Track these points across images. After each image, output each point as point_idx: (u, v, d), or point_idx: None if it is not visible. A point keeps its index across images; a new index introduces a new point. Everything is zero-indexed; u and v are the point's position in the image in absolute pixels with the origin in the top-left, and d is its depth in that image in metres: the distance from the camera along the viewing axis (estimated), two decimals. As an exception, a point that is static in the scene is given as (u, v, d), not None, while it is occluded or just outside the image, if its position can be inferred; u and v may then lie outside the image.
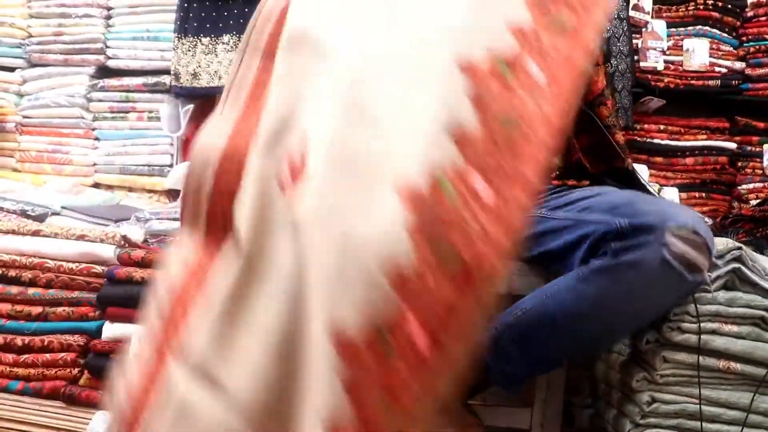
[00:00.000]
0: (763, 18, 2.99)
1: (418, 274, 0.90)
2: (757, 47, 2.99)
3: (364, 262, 0.92)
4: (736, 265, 1.41)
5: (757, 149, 3.00)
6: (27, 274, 2.04)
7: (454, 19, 1.08)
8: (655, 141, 2.98)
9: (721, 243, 1.44)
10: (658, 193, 2.84)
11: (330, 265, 0.95)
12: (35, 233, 2.11)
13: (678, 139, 3.00)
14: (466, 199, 0.94)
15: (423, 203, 0.94)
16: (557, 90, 1.01)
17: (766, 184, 2.96)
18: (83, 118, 3.07)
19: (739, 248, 1.42)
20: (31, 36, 3.20)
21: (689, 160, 2.97)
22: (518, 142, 0.97)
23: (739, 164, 3.02)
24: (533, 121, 0.98)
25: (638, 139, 2.98)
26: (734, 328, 1.43)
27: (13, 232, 2.13)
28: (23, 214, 2.47)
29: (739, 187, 2.98)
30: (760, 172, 2.99)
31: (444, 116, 0.98)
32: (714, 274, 1.41)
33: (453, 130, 0.97)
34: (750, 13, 3.01)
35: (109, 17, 3.13)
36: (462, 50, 1.02)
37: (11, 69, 3.21)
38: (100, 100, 3.08)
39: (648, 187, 1.75)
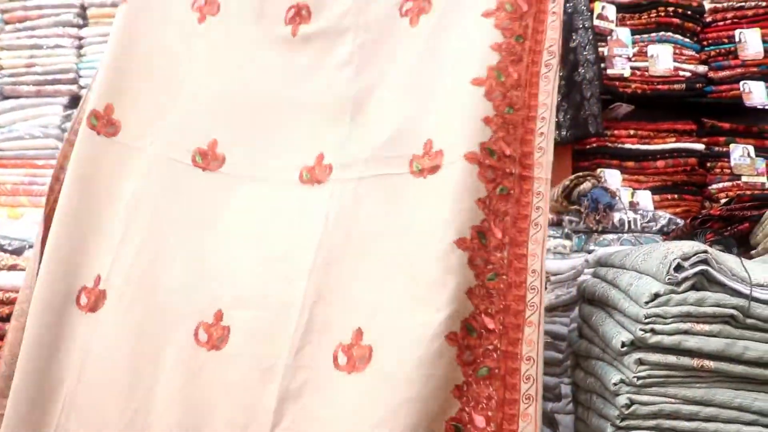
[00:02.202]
0: (721, 23, 3.08)
1: None
2: (718, 51, 3.07)
3: None
4: (702, 267, 1.46)
5: (725, 149, 3.06)
6: (4, 309, 2.04)
7: None
8: (626, 146, 3.04)
9: (687, 246, 1.49)
10: (632, 197, 2.90)
11: None
12: (12, 267, 2.11)
13: (648, 143, 3.05)
14: None
15: None
16: None
17: (735, 182, 3.02)
18: (57, 148, 3.06)
19: (704, 251, 1.46)
20: (2, 68, 3.20)
21: (660, 163, 3.02)
22: None
23: (708, 165, 3.07)
24: None
25: (609, 144, 3.03)
26: (706, 327, 1.47)
27: (-8, 267, 2.13)
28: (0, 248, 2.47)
29: (710, 187, 3.03)
30: (729, 171, 3.05)
31: None
32: (681, 276, 1.45)
33: None
34: (709, 19, 3.10)
35: (80, 47, 3.15)
36: None
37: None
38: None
39: None
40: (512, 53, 1.60)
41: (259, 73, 1.85)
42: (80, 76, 3.12)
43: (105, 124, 1.82)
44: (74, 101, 3.13)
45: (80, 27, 3.18)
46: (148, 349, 1.63)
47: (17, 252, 2.41)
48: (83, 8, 3.19)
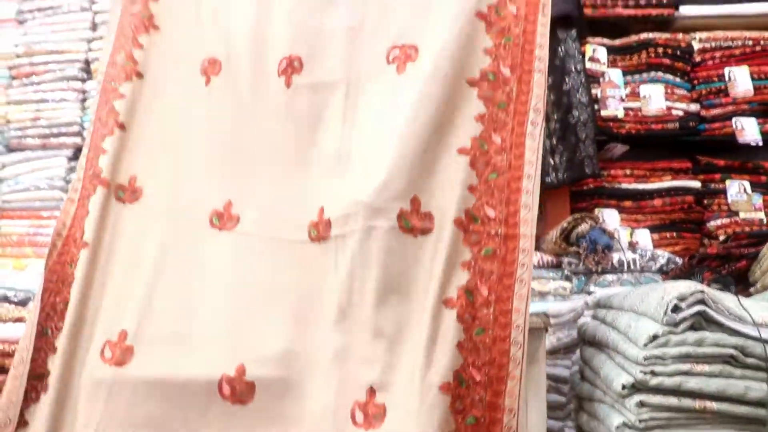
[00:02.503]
0: (710, 62, 3.13)
1: None
2: (708, 89, 3.11)
3: None
4: (700, 307, 1.48)
5: (721, 186, 3.08)
6: (11, 362, 2.04)
7: None
8: (623, 186, 3.06)
9: (683, 286, 1.51)
10: (631, 236, 2.92)
11: None
12: (18, 320, 2.12)
13: (645, 182, 3.08)
14: None
15: None
16: None
17: (733, 219, 3.03)
18: (63, 200, 3.10)
19: (701, 291, 1.48)
20: (9, 122, 3.26)
21: (657, 202, 3.04)
22: None
23: (706, 202, 3.09)
24: None
25: (606, 185, 3.05)
26: (706, 368, 1.49)
27: (-2, 320, 2.14)
28: (5, 299, 2.48)
29: (708, 224, 3.04)
30: (726, 207, 3.06)
31: None
32: (679, 317, 1.47)
33: None
34: (698, 58, 3.14)
35: (84, 100, 3.21)
36: None
37: (-13, 159, 3.26)
38: (80, 181, 3.12)
39: None
40: (495, 121, 1.71)
41: (260, 129, 1.92)
42: (84, 129, 3.17)
43: (130, 193, 1.94)
44: (78, 153, 3.17)
45: (84, 81, 3.25)
46: (176, 402, 1.68)
47: (23, 303, 2.42)
48: (87, 63, 3.26)
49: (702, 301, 1.48)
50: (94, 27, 3.30)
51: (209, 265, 1.82)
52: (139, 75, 2.05)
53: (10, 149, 3.26)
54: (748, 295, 2.00)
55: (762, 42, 3.11)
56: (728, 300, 1.55)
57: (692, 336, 1.48)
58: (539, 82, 1.73)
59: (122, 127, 1.99)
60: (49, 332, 1.81)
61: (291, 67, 1.93)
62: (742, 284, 2.12)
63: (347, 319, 1.66)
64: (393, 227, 1.67)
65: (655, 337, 1.48)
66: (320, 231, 1.75)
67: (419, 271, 1.64)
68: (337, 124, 1.85)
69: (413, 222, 1.67)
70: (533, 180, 1.66)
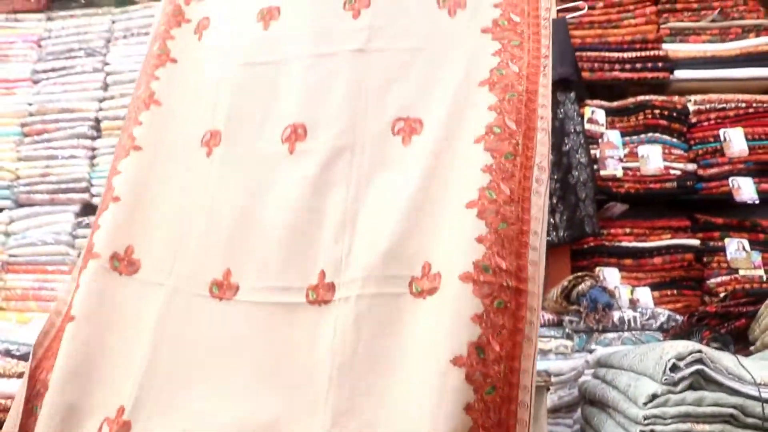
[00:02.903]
0: (706, 123, 3.20)
1: None
2: (705, 149, 3.17)
3: None
4: (698, 366, 1.49)
5: (720, 244, 3.11)
6: (14, 418, 2.04)
7: None
8: (623, 244, 3.09)
9: (681, 345, 1.53)
10: (631, 294, 2.94)
11: None
12: (21, 375, 2.13)
13: (644, 241, 3.10)
14: None
15: None
16: None
17: (733, 276, 3.05)
18: (69, 255, 3.15)
19: (699, 351, 1.50)
20: (19, 178, 3.33)
21: (657, 260, 3.07)
22: None
23: (705, 259, 3.11)
24: None
25: (606, 243, 3.08)
26: (706, 428, 1.49)
27: (0, 375, 2.15)
28: (8, 353, 2.49)
29: (708, 282, 3.06)
30: (726, 265, 3.08)
31: None
32: (678, 376, 1.48)
33: None
34: (694, 119, 3.21)
35: (93, 157, 3.28)
36: None
37: (-1, 210, 3.32)
38: (85, 237, 3.15)
39: None
40: (503, 171, 1.68)
41: (261, 195, 1.94)
42: (92, 185, 3.24)
43: (126, 264, 1.92)
44: (86, 209, 3.24)
45: (94, 138, 3.33)
46: None
47: (24, 358, 2.42)
48: (97, 121, 3.35)
49: (700, 361, 1.50)
50: (105, 87, 3.40)
51: (208, 336, 1.81)
52: (137, 148, 2.06)
53: (19, 204, 3.33)
54: (748, 353, 2.01)
55: (754, 104, 3.19)
56: (727, 359, 1.56)
57: (691, 395, 1.49)
58: (543, 140, 1.74)
59: (117, 199, 1.99)
60: (37, 410, 1.76)
61: (295, 134, 1.95)
62: (741, 343, 2.13)
63: (345, 386, 1.62)
64: (404, 294, 1.65)
65: (654, 397, 1.49)
66: (320, 294, 1.74)
67: (426, 332, 1.58)
68: (342, 190, 1.85)
69: (422, 286, 1.64)
70: (539, 237, 1.63)
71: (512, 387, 1.52)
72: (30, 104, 3.44)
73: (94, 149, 3.29)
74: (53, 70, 3.50)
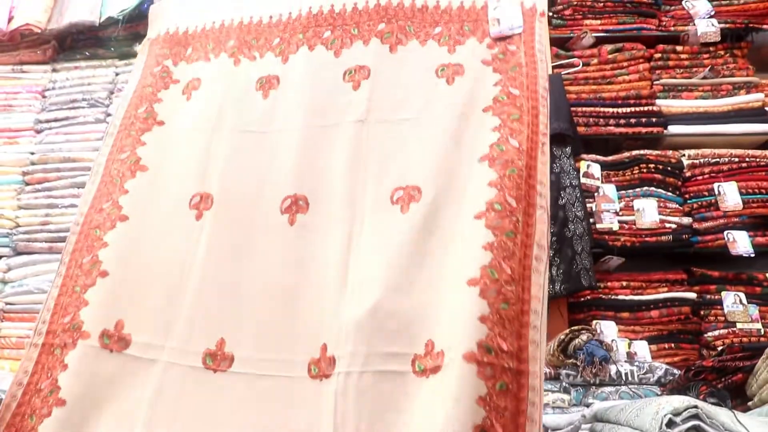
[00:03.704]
0: (700, 177, 3.25)
1: None
2: (700, 203, 3.21)
3: None
4: (695, 422, 1.49)
5: (716, 297, 3.11)
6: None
7: None
8: (620, 297, 3.10)
9: (677, 401, 1.52)
10: (629, 347, 2.92)
11: None
12: (13, 425, 2.11)
13: (641, 294, 3.12)
14: None
15: None
16: None
17: (730, 329, 3.04)
18: (66, 303, 3.13)
19: (695, 406, 1.49)
20: (18, 226, 3.34)
21: (654, 313, 3.07)
22: None
23: (702, 312, 3.11)
24: None
25: (603, 296, 3.09)
26: (703, 485, 1.48)
27: (-7, 425, 2.12)
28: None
29: (706, 335, 3.05)
30: (723, 318, 3.08)
31: None
32: (674, 431, 1.48)
33: None
34: (688, 174, 3.27)
35: (94, 206, 3.30)
36: None
37: (-4, 258, 3.32)
38: (83, 285, 3.16)
39: None
40: (504, 249, 1.66)
41: (258, 264, 1.91)
42: (81, 195, 3.23)
43: (116, 340, 1.88)
44: (85, 257, 3.23)
45: (95, 187, 3.35)
46: None
47: (18, 408, 2.41)
48: (98, 170, 3.38)
49: (696, 416, 1.50)
50: (107, 137, 3.44)
51: (204, 410, 1.77)
52: (124, 218, 2.04)
53: (17, 252, 3.32)
54: (746, 409, 2.00)
55: (747, 159, 3.24)
56: (723, 415, 1.56)
57: (688, 452, 1.48)
58: (542, 218, 1.73)
59: (105, 274, 1.95)
60: None
61: (296, 206, 1.94)
62: (739, 398, 2.11)
63: None
64: (406, 372, 1.62)
65: (651, 452, 1.48)
66: (321, 369, 1.71)
67: (430, 413, 1.54)
68: (341, 262, 1.82)
69: (426, 364, 1.60)
70: (540, 316, 1.61)
71: None
72: (32, 153, 3.48)
73: (94, 198, 3.31)
74: (56, 120, 3.55)
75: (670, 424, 1.49)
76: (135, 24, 3.54)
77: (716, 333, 3.04)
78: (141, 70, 2.42)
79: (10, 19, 3.59)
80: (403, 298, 1.70)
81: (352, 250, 1.83)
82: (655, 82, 3.43)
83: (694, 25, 3.45)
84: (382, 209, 1.86)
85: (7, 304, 3.23)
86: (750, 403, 2.09)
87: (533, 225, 1.72)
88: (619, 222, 3.16)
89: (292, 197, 1.96)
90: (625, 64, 3.45)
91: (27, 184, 3.43)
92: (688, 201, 3.24)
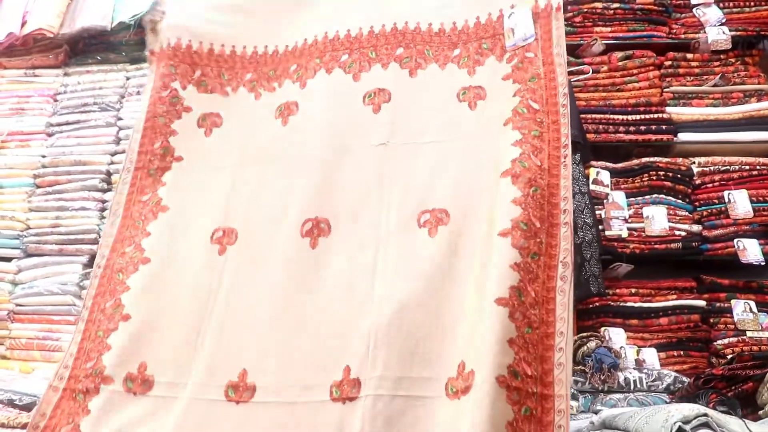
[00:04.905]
0: (710, 185, 3.24)
1: None
2: (709, 211, 3.21)
3: None
4: (705, 430, 1.48)
5: (726, 305, 3.10)
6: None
7: None
8: (629, 304, 3.09)
9: (687, 408, 1.51)
10: (637, 355, 2.91)
11: None
12: (24, 426, 2.11)
13: (650, 301, 3.10)
14: None
15: None
16: None
17: (740, 338, 3.03)
18: (75, 305, 3.15)
19: (705, 414, 1.48)
20: (29, 228, 3.36)
21: (663, 320, 3.05)
22: None
23: (712, 320, 3.10)
24: None
25: (612, 303, 3.08)
26: (713, 493, 1.47)
27: (2, 425, 2.13)
28: (10, 403, 2.47)
29: (715, 343, 3.03)
30: (733, 326, 3.07)
31: None
32: (685, 441, 1.47)
33: None
34: (698, 181, 3.26)
35: (103, 209, 3.31)
36: None
37: (8, 259, 3.33)
38: (93, 287, 3.17)
39: None
40: (529, 272, 1.66)
41: (279, 290, 1.90)
42: (101, 237, 3.25)
43: (140, 383, 1.87)
44: (94, 261, 3.24)
45: (104, 191, 3.37)
46: None
47: (27, 408, 2.42)
48: (108, 174, 3.39)
49: (706, 425, 1.49)
50: (117, 141, 3.45)
51: None
52: (146, 261, 2.04)
53: (28, 254, 3.34)
54: (757, 418, 1.98)
55: (758, 167, 3.24)
56: (733, 423, 1.55)
57: (699, 460, 1.47)
58: (566, 236, 1.73)
59: (128, 317, 1.94)
60: None
61: (317, 229, 1.92)
62: (750, 407, 2.10)
63: None
64: (440, 397, 1.60)
65: (660, 460, 1.47)
66: (344, 391, 1.68)
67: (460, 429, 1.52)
68: (367, 285, 1.81)
69: (458, 386, 1.58)
70: (565, 337, 1.60)
71: None
72: (43, 156, 3.50)
73: (104, 202, 3.32)
74: (67, 123, 3.57)
75: (680, 431, 1.48)
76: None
77: (726, 341, 3.02)
78: (150, 93, 2.39)
79: (23, 24, 3.62)
80: (432, 319, 1.69)
81: (377, 273, 1.83)
82: (665, 90, 3.43)
83: (705, 32, 3.44)
84: (409, 232, 1.85)
85: (17, 305, 3.25)
86: (761, 412, 2.07)
87: (557, 245, 1.72)
88: (629, 229, 3.15)
89: (313, 220, 1.95)
90: (635, 71, 3.45)
91: (38, 186, 3.44)
92: (698, 209, 3.23)
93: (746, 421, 1.60)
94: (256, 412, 1.74)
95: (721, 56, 3.45)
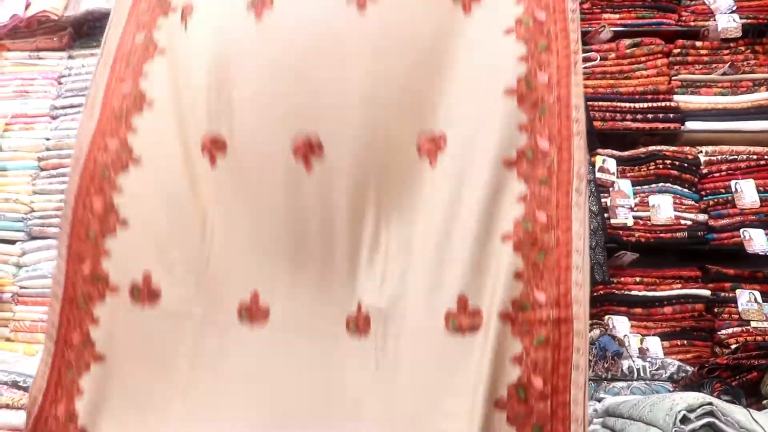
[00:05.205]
0: (717, 174, 3.22)
1: None
2: (716, 200, 3.19)
3: None
4: (709, 419, 1.47)
5: (731, 294, 3.09)
6: (18, 454, 2.04)
7: None
8: (633, 293, 3.08)
9: (692, 397, 1.51)
10: (641, 343, 2.91)
11: None
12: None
13: (654, 290, 3.09)
14: None
15: None
16: None
17: (744, 328, 3.02)
18: (79, 288, 3.15)
19: (710, 403, 1.48)
20: (33, 211, 3.36)
21: (667, 309, 3.04)
22: None
23: (716, 310, 3.09)
24: None
25: (616, 292, 3.07)
26: (716, 482, 1.46)
27: (7, 406, 2.14)
28: (14, 385, 2.48)
29: (719, 333, 3.03)
30: (737, 316, 3.06)
31: None
32: (688, 428, 1.46)
33: None
34: (705, 170, 3.23)
35: (108, 192, 3.31)
36: None
37: (12, 242, 3.33)
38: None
39: None
40: (539, 198, 1.57)
41: (279, 214, 1.77)
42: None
43: (147, 295, 1.72)
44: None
45: (109, 174, 3.36)
46: None
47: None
48: (113, 156, 3.39)
49: (711, 413, 1.48)
50: (122, 124, 3.44)
51: (240, 366, 1.69)
52: (136, 161, 1.83)
53: (32, 237, 3.34)
54: (761, 407, 1.98)
55: (766, 156, 3.21)
56: (738, 413, 1.54)
57: (702, 448, 1.47)
58: (579, 145, 1.61)
59: (125, 223, 1.78)
60: None
61: (309, 147, 1.74)
62: (754, 396, 2.10)
63: (387, 421, 1.54)
64: (439, 328, 1.54)
65: (665, 448, 1.47)
66: (360, 325, 1.64)
67: (466, 373, 1.49)
68: (370, 217, 1.71)
69: (460, 321, 1.53)
70: (582, 255, 1.50)
71: (563, 421, 1.42)
72: (47, 139, 3.49)
73: (108, 184, 3.32)
74: (72, 106, 3.55)
75: (684, 420, 1.47)
76: (151, 11, 3.54)
77: (730, 331, 3.02)
78: None
79: (27, 6, 3.60)
80: (438, 259, 1.61)
81: (381, 203, 1.72)
82: (673, 78, 3.39)
83: (715, 20, 3.40)
84: (409, 163, 1.72)
85: (21, 288, 3.25)
86: (765, 402, 2.07)
87: (570, 159, 1.60)
88: (634, 218, 3.13)
89: (304, 137, 1.75)
90: (643, 59, 3.41)
91: (42, 169, 3.44)
92: (705, 198, 3.21)
93: (751, 410, 1.60)
94: (272, 338, 1.68)
95: (731, 44, 3.41)
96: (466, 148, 1.67)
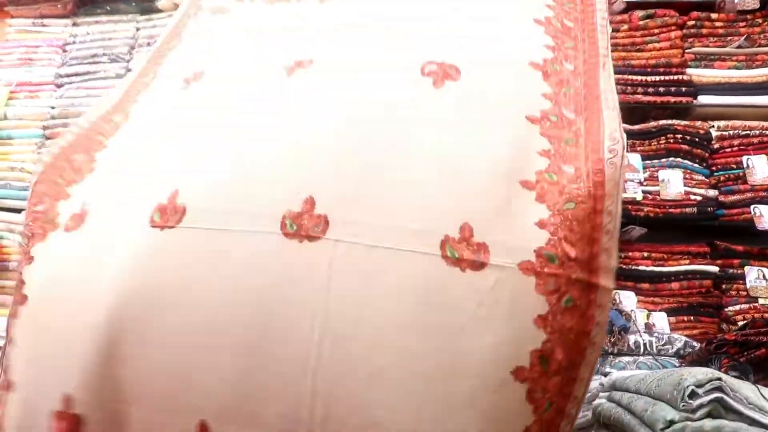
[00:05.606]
0: (728, 149, 3.17)
1: None
2: (727, 176, 3.15)
3: None
4: (717, 394, 1.46)
5: (739, 271, 3.07)
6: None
7: None
8: (640, 268, 3.07)
9: (700, 372, 1.50)
10: (647, 319, 2.90)
11: None
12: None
13: (662, 265, 3.08)
14: None
15: None
16: None
17: (752, 305, 3.00)
18: (85, 257, 3.16)
19: (719, 378, 1.47)
20: (38, 180, 3.35)
21: (675, 285, 3.03)
22: None
23: (724, 286, 3.07)
24: None
25: (624, 266, 3.05)
26: (724, 458, 1.45)
27: (12, 374, 2.15)
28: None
29: (726, 309, 3.01)
30: (745, 293, 3.04)
31: None
32: (696, 403, 1.45)
33: None
34: (716, 145, 3.19)
35: (113, 161, 3.30)
36: None
37: (18, 210, 3.34)
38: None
39: None
40: (564, 155, 1.36)
41: (257, 110, 1.53)
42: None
43: (171, 213, 1.34)
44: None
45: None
46: None
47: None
48: (119, 125, 3.37)
49: (720, 389, 1.47)
50: (128, 92, 3.42)
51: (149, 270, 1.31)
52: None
53: (37, 205, 3.34)
54: (769, 384, 1.97)
55: (779, 132, 3.16)
56: (747, 389, 1.53)
57: (710, 424, 1.46)
58: (611, 117, 1.42)
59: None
60: None
61: (299, 66, 1.55)
62: (762, 373, 2.08)
63: (343, 372, 1.19)
64: (431, 254, 1.20)
65: (671, 423, 1.46)
66: (304, 227, 1.25)
67: (469, 326, 1.18)
68: (341, 118, 1.43)
69: (461, 252, 1.21)
70: (614, 219, 1.27)
71: (566, 398, 1.23)
72: (52, 107, 3.48)
73: (114, 152, 3.31)
74: (76, 74, 3.54)
75: (693, 395, 1.46)
76: (157, -22, 3.50)
77: (737, 308, 3.00)
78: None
79: (31, -29, 3.57)
80: (440, 179, 1.31)
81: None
82: (686, 51, 3.33)
83: (732, -9, 3.35)
84: (409, 80, 1.49)
85: (27, 256, 3.26)
86: (773, 379, 2.06)
87: (600, 123, 1.39)
88: (643, 192, 3.11)
89: (296, 60, 1.56)
90: (656, 31, 3.35)
91: (47, 138, 3.43)
92: (715, 173, 3.18)
93: (759, 386, 1.58)
94: (184, 238, 1.30)
95: (748, 17, 3.35)
96: (481, 84, 1.48)
